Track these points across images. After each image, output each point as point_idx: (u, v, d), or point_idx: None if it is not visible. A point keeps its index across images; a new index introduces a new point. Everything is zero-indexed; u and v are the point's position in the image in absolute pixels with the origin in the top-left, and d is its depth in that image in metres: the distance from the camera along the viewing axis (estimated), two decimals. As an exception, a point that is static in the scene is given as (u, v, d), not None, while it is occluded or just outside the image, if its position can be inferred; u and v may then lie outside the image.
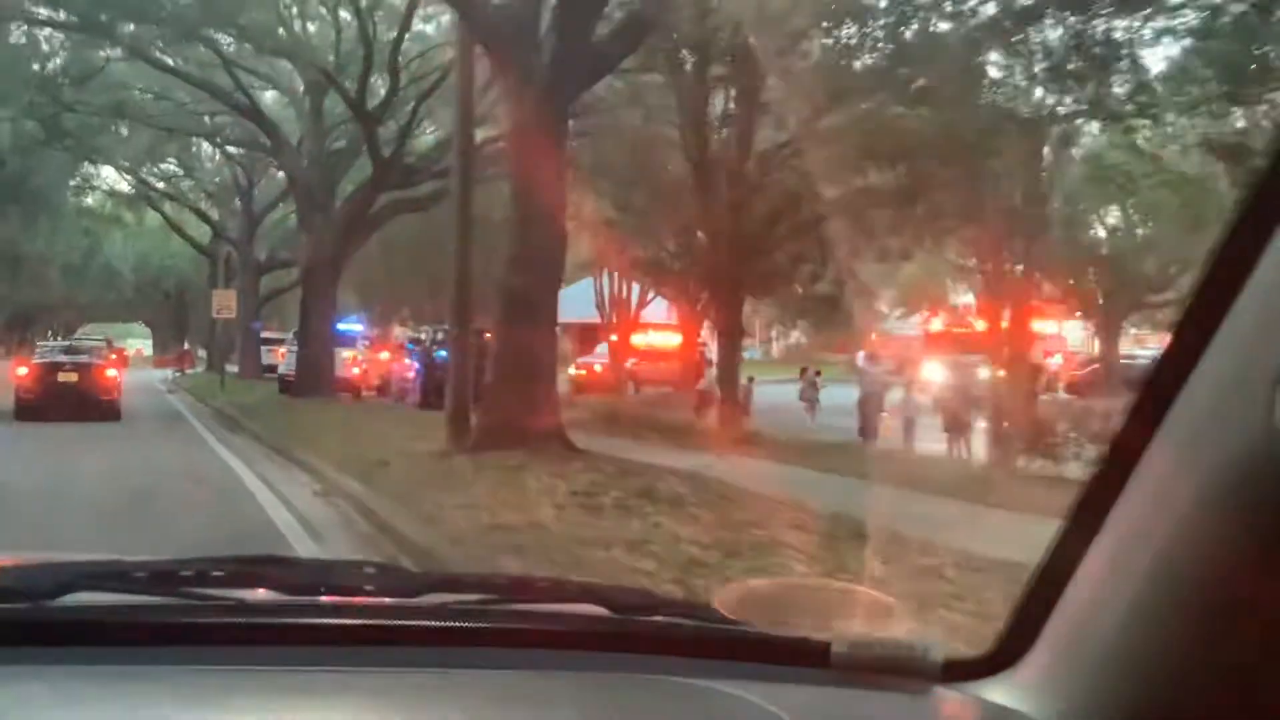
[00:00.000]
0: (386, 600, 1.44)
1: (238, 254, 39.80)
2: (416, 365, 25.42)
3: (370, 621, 1.34)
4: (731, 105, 18.99)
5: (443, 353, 24.46)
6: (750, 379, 22.29)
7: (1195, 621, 1.04)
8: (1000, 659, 1.27)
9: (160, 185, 44.02)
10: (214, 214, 44.57)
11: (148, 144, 38.77)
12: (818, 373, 24.95)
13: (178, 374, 51.94)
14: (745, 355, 29.74)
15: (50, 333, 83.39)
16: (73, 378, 21.66)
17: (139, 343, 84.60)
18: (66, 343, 25.77)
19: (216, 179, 43.97)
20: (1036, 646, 1.22)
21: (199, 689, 1.14)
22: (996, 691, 1.25)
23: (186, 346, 64.42)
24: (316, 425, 17.88)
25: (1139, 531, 1.10)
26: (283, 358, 30.72)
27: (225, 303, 31.87)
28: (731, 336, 19.31)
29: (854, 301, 24.47)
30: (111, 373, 22.19)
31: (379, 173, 23.77)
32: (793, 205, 18.43)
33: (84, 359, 22.41)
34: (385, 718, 1.14)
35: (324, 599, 1.42)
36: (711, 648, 1.35)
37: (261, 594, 1.40)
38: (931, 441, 18.31)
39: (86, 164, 42.23)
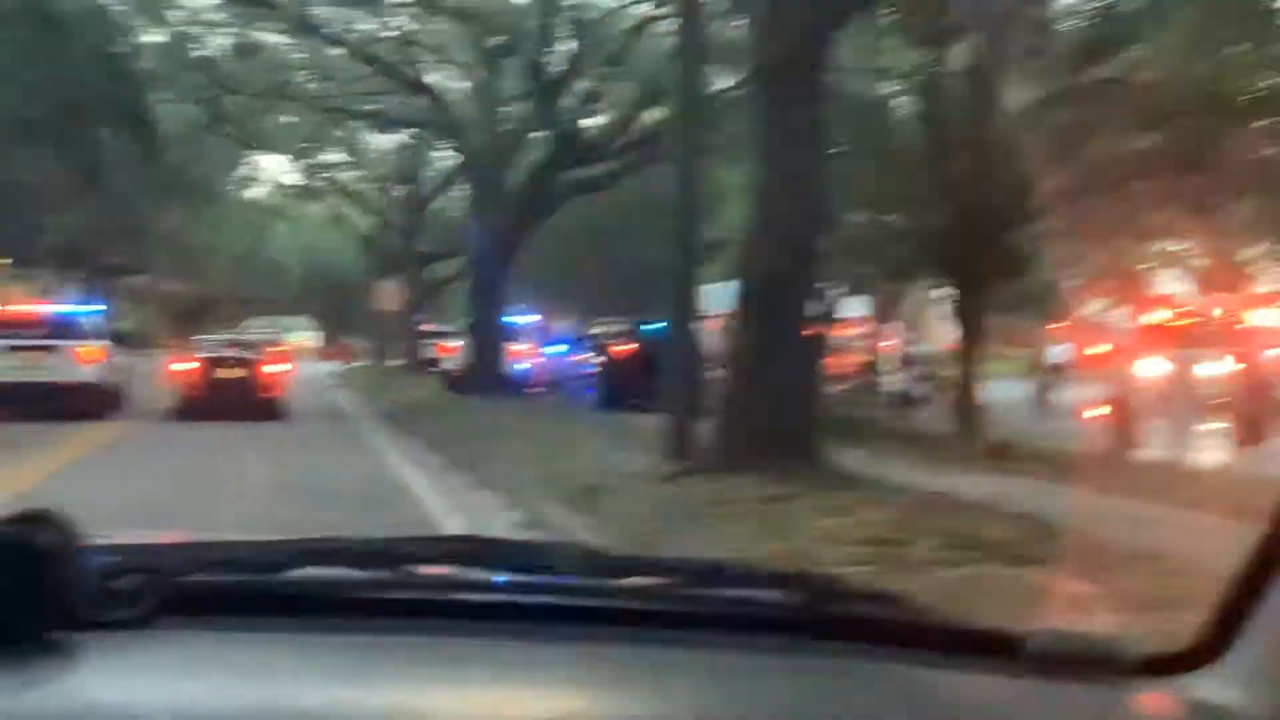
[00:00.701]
0: (588, 581, 1.44)
1: (401, 244, 38.43)
2: (594, 362, 23.31)
3: (572, 601, 1.35)
4: (971, 60, 16.26)
5: (622, 347, 22.40)
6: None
7: None
8: (1202, 654, 1.24)
9: (323, 175, 43.02)
10: (376, 205, 43.50)
11: (310, 131, 37.75)
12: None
13: (343, 367, 51.39)
14: (916, 349, 27.18)
15: (222, 325, 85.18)
16: (235, 374, 20.15)
17: (305, 335, 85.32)
18: (228, 337, 24.35)
19: (380, 170, 42.82)
20: (1241, 641, 1.20)
21: (411, 661, 1.16)
22: (1200, 686, 1.21)
23: (350, 340, 64.21)
24: (495, 431, 15.84)
25: None
26: (447, 353, 29.00)
27: (389, 294, 30.35)
28: (974, 327, 16.56)
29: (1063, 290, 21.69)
30: (275, 368, 20.63)
31: (557, 151, 21.68)
32: (1041, 176, 15.65)
33: (247, 354, 20.90)
34: (584, 694, 1.11)
35: (527, 578, 1.43)
36: (905, 636, 1.31)
37: (467, 572, 1.42)
38: (1201, 450, 15.41)
39: (249, 153, 41.54)
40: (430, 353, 38.82)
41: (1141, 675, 1.24)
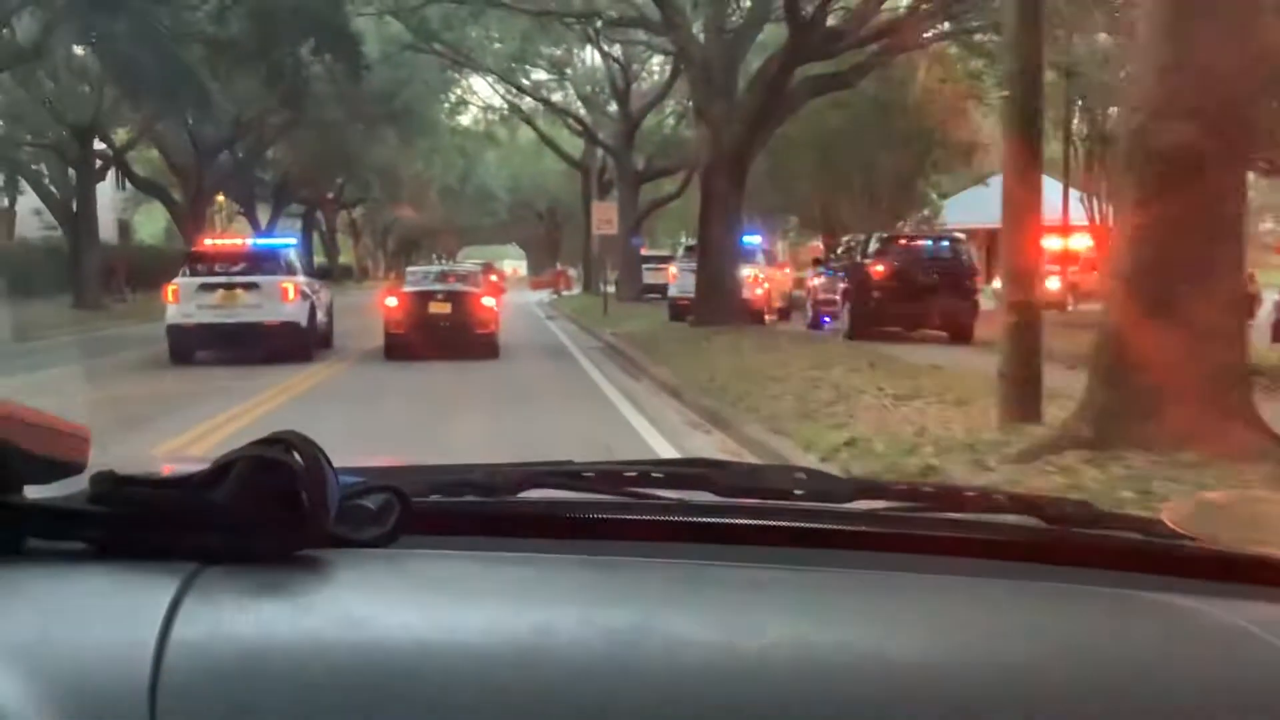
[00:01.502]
0: (817, 504, 1.43)
1: (615, 163, 36.06)
2: (841, 284, 20.40)
3: (805, 524, 1.32)
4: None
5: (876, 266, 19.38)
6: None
7: None
8: None
9: (532, 95, 40.97)
10: (587, 124, 41.25)
11: (517, 48, 35.66)
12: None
13: (554, 296, 49.81)
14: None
15: (435, 256, 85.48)
16: (445, 309, 18.16)
17: (514, 264, 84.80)
18: (439, 268, 22.33)
19: (588, 86, 40.49)
20: None
21: (643, 582, 1.13)
22: None
23: (560, 267, 62.81)
24: (742, 370, 13.23)
25: None
26: (673, 278, 26.49)
27: (605, 216, 28.01)
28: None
29: None
30: (488, 301, 18.52)
31: (796, 39, 18.63)
32: None
33: (458, 287, 18.86)
34: (818, 617, 1.06)
35: (757, 501, 1.43)
36: (1161, 562, 1.24)
37: (698, 495, 1.41)
38: None
39: (455, 74, 39.80)
40: (654, 279, 36.61)
41: None
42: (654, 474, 1.50)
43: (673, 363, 15.15)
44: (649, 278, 36.94)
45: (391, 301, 18.26)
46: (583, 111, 40.22)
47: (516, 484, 1.38)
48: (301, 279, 17.95)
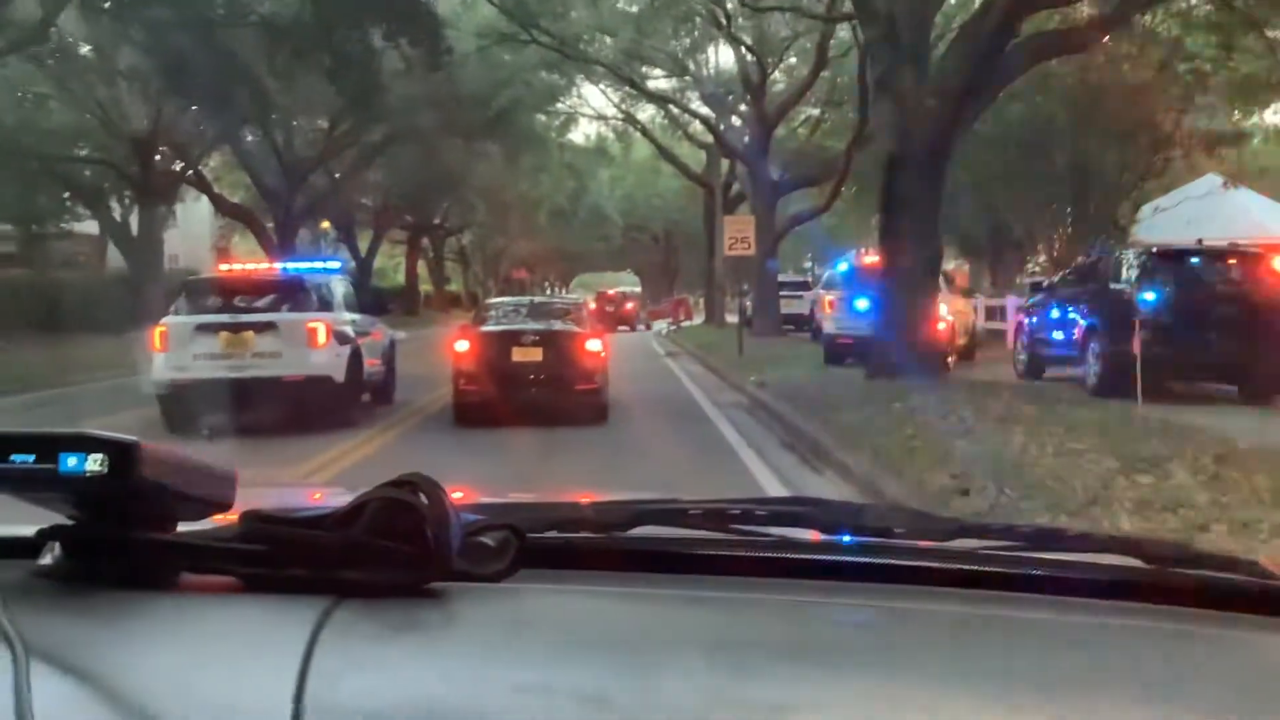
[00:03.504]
0: (918, 543, 1.45)
1: (747, 173, 30.83)
2: (1079, 320, 14.81)
3: (906, 561, 1.34)
4: None
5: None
6: None
7: None
8: None
9: (648, 96, 35.99)
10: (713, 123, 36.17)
11: (631, 40, 30.76)
12: None
13: (673, 328, 44.75)
14: None
15: (548, 285, 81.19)
16: (535, 355, 13.20)
17: (630, 290, 79.97)
18: (527, 300, 17.15)
19: (714, 87, 35.38)
20: None
21: (750, 618, 1.16)
22: None
23: (680, 295, 57.78)
24: (999, 463, 8.04)
25: None
26: (827, 309, 21.14)
27: (741, 234, 22.85)
28: None
29: None
30: (594, 346, 13.47)
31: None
32: None
33: (554, 326, 13.83)
34: (919, 655, 1.07)
35: (858, 539, 1.45)
36: (1262, 604, 1.23)
37: (800, 532, 1.45)
38: None
39: (560, 78, 35.08)
40: (786, 308, 31.34)
41: None
42: (758, 512, 1.52)
43: (867, 440, 9.92)
44: (785, 307, 31.76)
45: (462, 346, 13.32)
46: (707, 112, 35.04)
47: (627, 521, 1.40)
48: (342, 316, 13.16)
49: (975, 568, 1.30)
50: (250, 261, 18.42)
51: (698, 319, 48.92)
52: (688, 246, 57.83)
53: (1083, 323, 14.63)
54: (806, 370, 18.16)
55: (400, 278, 59.31)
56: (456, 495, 1.17)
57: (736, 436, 12.08)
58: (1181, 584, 1.28)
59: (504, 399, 12.59)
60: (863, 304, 17.87)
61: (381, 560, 1.05)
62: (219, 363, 12.11)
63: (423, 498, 1.05)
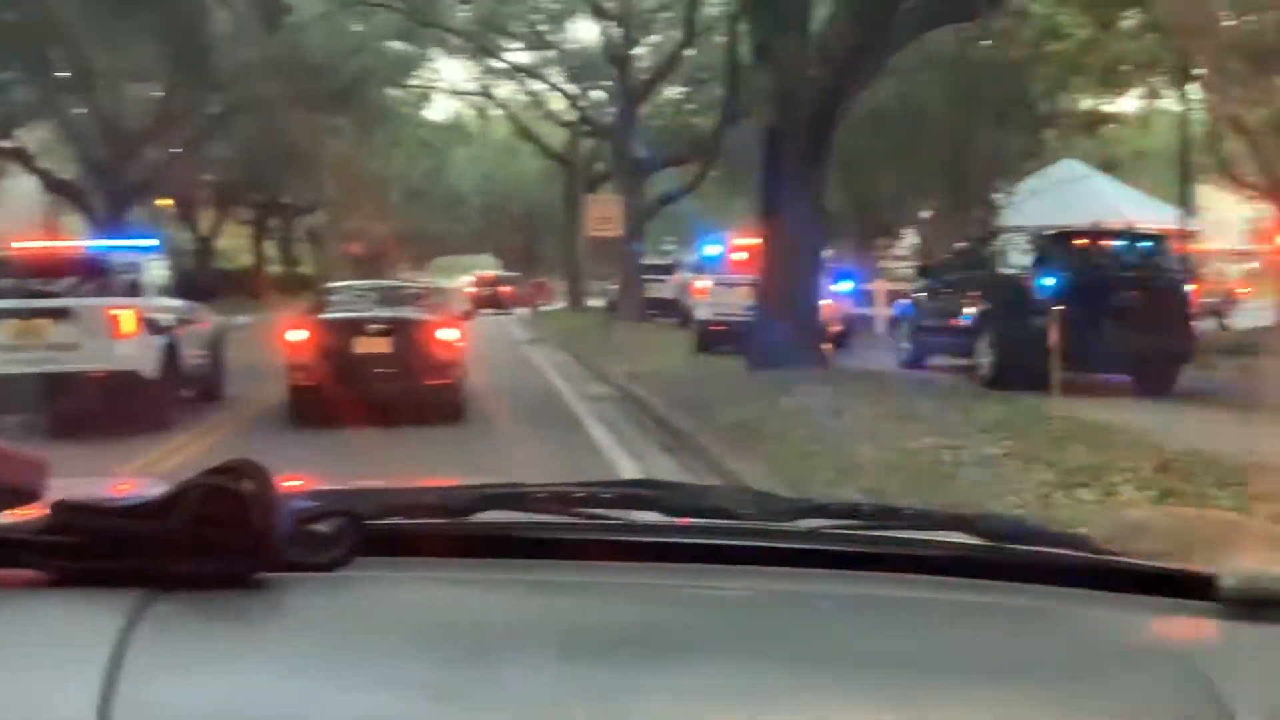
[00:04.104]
0: (761, 523, 1.44)
1: (612, 151, 29.56)
2: (968, 306, 13.97)
3: (747, 542, 1.33)
4: None
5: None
6: None
7: None
8: None
9: (508, 67, 34.43)
10: (573, 111, 34.81)
11: (487, 10, 29.19)
12: None
13: (532, 313, 43.31)
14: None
15: (400, 270, 78.63)
16: (382, 347, 11.76)
17: (504, 275, 78.08)
18: (375, 284, 15.51)
19: (577, 63, 33.99)
20: None
21: (591, 601, 1.16)
22: None
23: (539, 279, 56.29)
24: (909, 473, 7.05)
25: None
26: (698, 294, 20.06)
27: (604, 214, 21.67)
28: None
29: None
30: (448, 335, 12.06)
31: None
32: None
33: (403, 313, 12.37)
34: (762, 634, 1.08)
35: (703, 520, 1.44)
36: (1088, 578, 1.25)
37: (645, 515, 1.43)
38: None
39: (414, 48, 33.29)
40: (651, 293, 30.22)
41: None
42: (603, 494, 1.49)
43: (760, 445, 8.82)
44: (649, 292, 30.63)
45: (297, 335, 11.78)
46: (570, 86, 33.65)
47: (470, 505, 1.36)
48: (154, 302, 11.46)
49: (817, 546, 1.31)
50: (75, 240, 16.37)
51: (559, 303, 47.60)
52: (548, 229, 56.40)
53: (973, 310, 13.80)
54: (678, 359, 17.05)
55: (249, 259, 56.44)
56: (295, 483, 1.17)
57: (607, 436, 10.88)
58: (1018, 560, 1.28)
59: (346, 395, 11.11)
60: (738, 289, 16.82)
61: (204, 550, 0.99)
62: (8, 355, 10.37)
63: (246, 483, 0.99)
